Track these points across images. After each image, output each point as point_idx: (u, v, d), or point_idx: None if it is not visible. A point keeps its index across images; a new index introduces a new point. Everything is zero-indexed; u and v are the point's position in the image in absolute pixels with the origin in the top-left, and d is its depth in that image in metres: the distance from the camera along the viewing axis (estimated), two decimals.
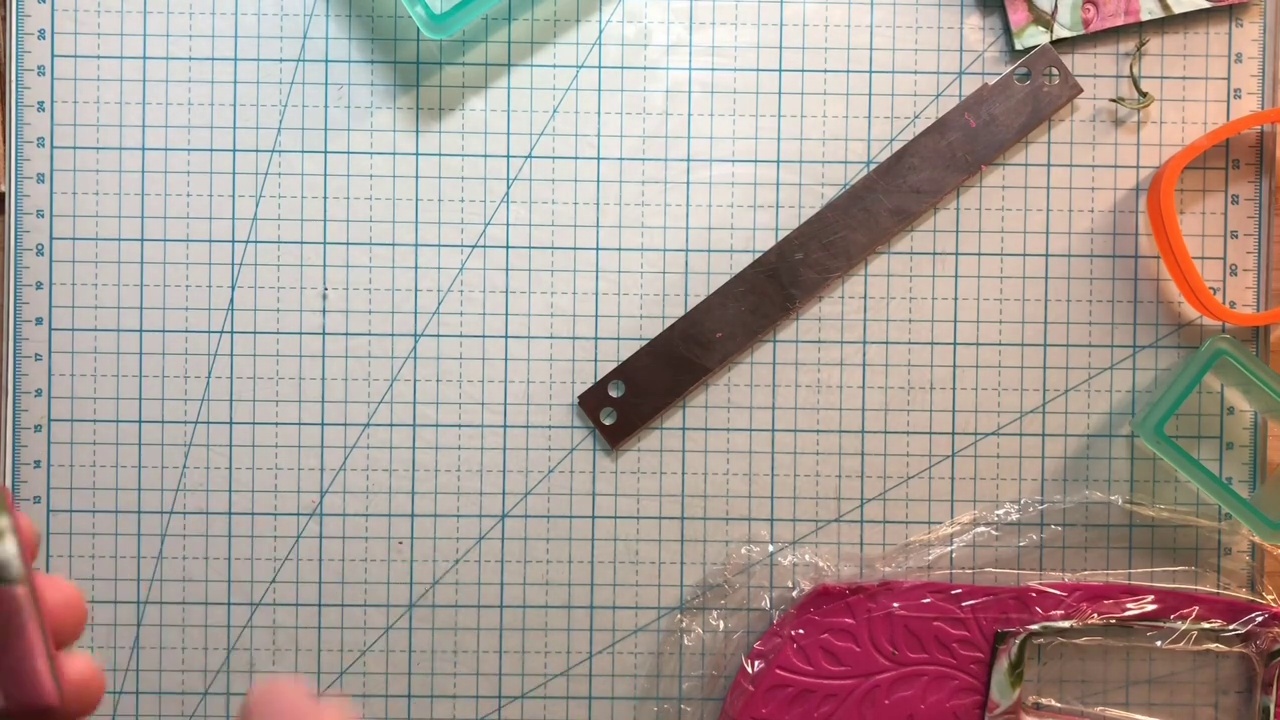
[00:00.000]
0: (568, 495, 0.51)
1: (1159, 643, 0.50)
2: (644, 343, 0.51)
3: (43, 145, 0.51)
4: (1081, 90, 0.51)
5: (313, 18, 0.51)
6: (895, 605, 0.50)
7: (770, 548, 0.51)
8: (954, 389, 0.51)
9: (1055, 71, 0.50)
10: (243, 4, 0.51)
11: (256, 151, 0.51)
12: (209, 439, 0.51)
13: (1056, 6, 0.50)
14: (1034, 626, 0.49)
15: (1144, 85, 0.51)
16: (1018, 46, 0.51)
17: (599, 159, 0.51)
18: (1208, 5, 0.51)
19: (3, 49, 0.51)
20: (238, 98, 0.51)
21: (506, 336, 0.51)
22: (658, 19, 0.51)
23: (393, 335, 0.51)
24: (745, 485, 0.51)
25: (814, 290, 0.51)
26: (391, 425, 0.51)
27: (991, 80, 0.51)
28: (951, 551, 0.51)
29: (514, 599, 0.51)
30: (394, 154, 0.51)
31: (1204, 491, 0.49)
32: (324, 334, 0.51)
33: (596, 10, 0.51)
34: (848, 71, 0.51)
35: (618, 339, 0.51)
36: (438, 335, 0.51)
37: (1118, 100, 0.51)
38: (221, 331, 0.51)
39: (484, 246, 0.51)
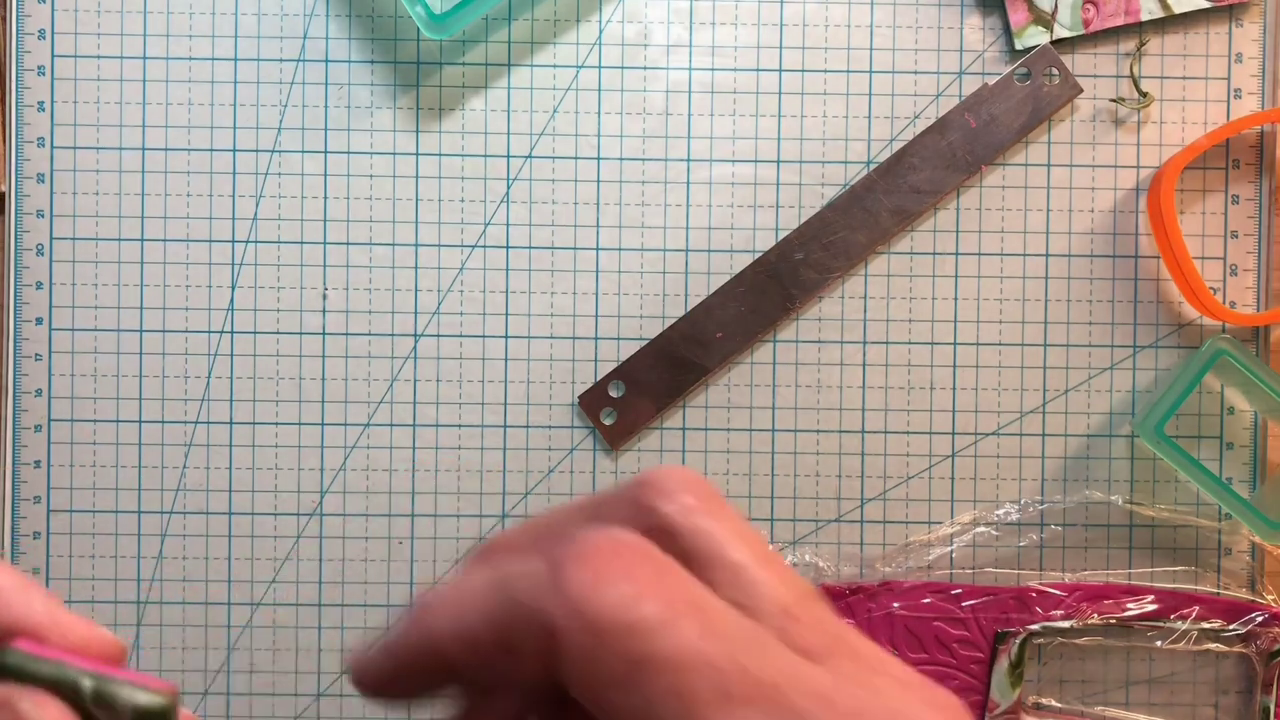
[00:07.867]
0: (568, 495, 0.51)
1: (1159, 643, 0.50)
2: (644, 343, 0.51)
3: (43, 145, 0.51)
4: (1081, 90, 0.51)
5: (313, 18, 0.51)
6: (895, 605, 0.50)
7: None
8: (954, 389, 0.51)
9: (1055, 71, 0.50)
10: (243, 4, 0.51)
11: (256, 151, 0.51)
12: (209, 439, 0.51)
13: (1056, 6, 0.50)
14: (1034, 626, 0.49)
15: (1144, 85, 0.51)
16: (1018, 46, 0.51)
17: (599, 159, 0.51)
18: (1208, 5, 0.50)
19: (3, 49, 0.51)
20: (238, 98, 0.51)
21: (506, 336, 0.51)
22: (658, 19, 0.51)
23: (393, 335, 0.51)
24: (745, 485, 0.51)
25: (814, 290, 0.51)
26: (391, 425, 0.51)
27: (991, 80, 0.51)
28: (951, 551, 0.51)
29: None
30: (394, 154, 0.51)
31: (1204, 491, 0.49)
32: (324, 334, 0.51)
33: (596, 10, 0.51)
34: (848, 71, 0.51)
35: (618, 339, 0.51)
36: (438, 335, 0.51)
37: (1118, 100, 0.51)
38: (221, 331, 0.51)
39: (484, 246, 0.51)
